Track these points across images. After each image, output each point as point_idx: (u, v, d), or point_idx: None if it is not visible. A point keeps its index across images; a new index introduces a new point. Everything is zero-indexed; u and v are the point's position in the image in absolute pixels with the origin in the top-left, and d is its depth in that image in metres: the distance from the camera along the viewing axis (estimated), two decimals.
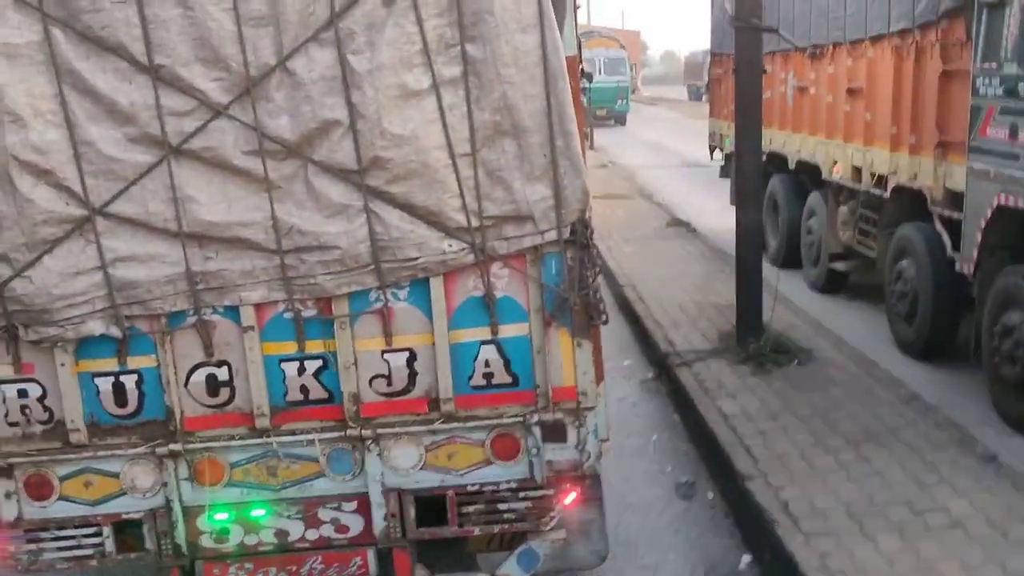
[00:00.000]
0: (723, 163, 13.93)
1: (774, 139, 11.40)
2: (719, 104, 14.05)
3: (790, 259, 11.24)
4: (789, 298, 9.59)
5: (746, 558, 5.44)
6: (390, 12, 3.56)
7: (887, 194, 8.55)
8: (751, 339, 8.16)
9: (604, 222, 13.03)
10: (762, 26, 8.13)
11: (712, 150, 14.75)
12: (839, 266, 10.19)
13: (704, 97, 50.84)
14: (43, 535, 4.02)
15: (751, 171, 8.25)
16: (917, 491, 5.58)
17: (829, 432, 6.53)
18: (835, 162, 9.71)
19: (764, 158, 8.80)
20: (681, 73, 70.50)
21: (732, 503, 6.02)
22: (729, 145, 12.37)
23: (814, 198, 10.65)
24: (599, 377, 4.01)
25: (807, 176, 10.83)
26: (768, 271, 8.92)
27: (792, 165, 11.12)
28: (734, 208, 8.69)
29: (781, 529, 5.24)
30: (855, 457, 6.11)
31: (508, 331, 3.85)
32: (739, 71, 8.08)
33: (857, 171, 9.21)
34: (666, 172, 22.49)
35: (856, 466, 5.98)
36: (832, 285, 10.47)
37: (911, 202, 8.18)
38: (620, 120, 37.22)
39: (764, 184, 10.65)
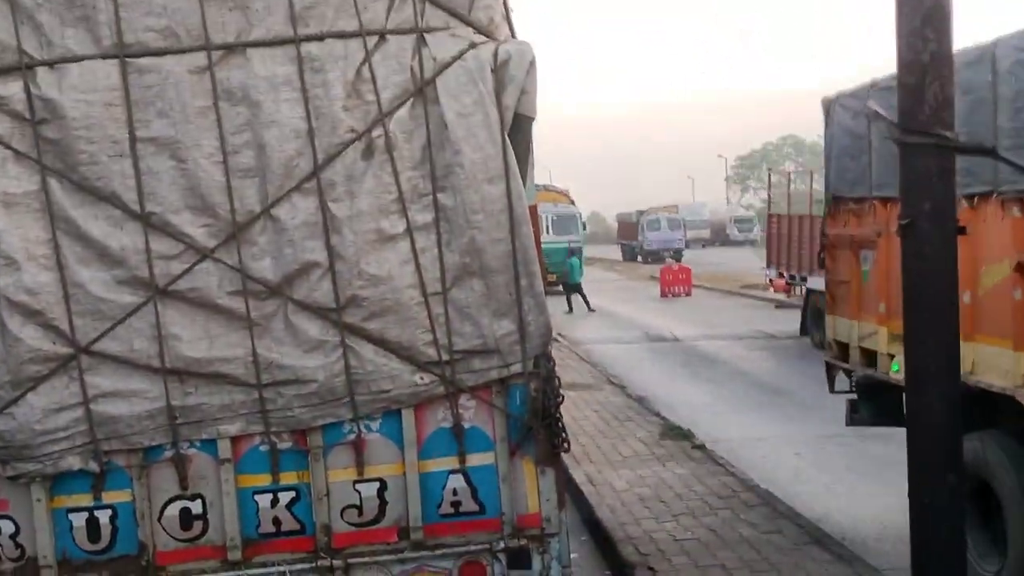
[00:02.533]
0: (854, 398, 7.63)
1: None
2: (852, 292, 7.34)
3: None
4: None
5: None
6: (368, 164, 3.91)
7: None
8: None
9: (575, 428, 9.94)
10: (967, 144, 4.57)
11: (832, 374, 7.87)
12: None
13: (640, 257, 51.90)
14: None
15: (942, 423, 4.01)
16: None
17: None
18: None
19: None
20: (607, 233, 73.14)
21: None
22: (896, 370, 6.48)
23: (992, 453, 5.69)
24: (562, 503, 4.17)
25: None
26: None
27: None
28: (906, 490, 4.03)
29: None
30: None
31: (475, 460, 4.04)
32: (914, 229, 3.93)
33: None
34: (630, 351, 18.59)
35: None
36: None
37: None
38: (571, 290, 27.57)
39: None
